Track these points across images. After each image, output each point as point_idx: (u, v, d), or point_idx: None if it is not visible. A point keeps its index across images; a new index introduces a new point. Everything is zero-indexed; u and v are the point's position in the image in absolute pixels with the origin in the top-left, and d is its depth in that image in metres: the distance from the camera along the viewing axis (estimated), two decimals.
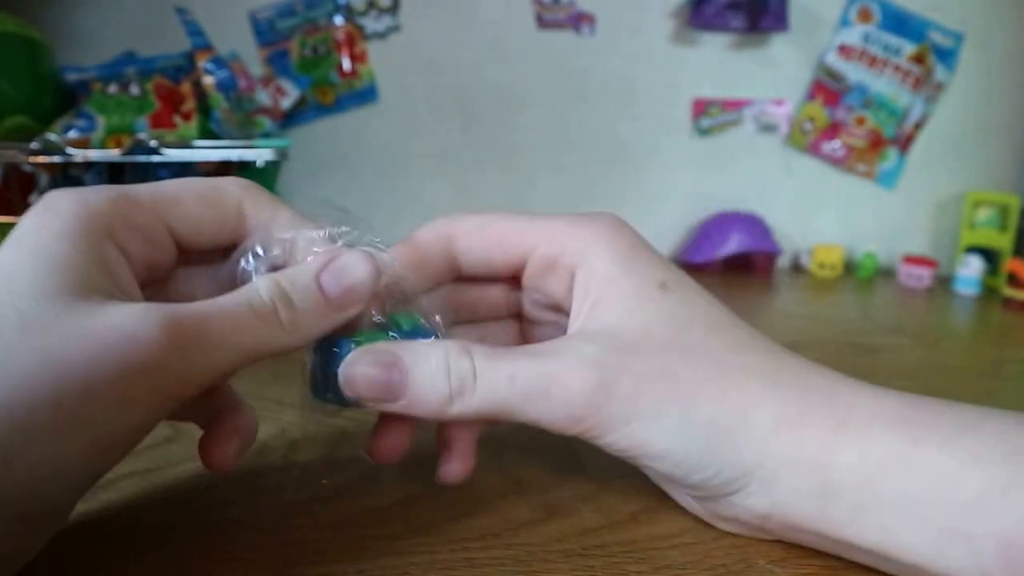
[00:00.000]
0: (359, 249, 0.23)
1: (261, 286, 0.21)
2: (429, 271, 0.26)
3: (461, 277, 0.27)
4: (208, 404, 0.25)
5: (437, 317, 0.25)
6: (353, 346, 0.22)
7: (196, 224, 0.23)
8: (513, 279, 0.27)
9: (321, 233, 0.23)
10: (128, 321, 0.18)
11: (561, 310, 0.26)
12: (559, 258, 0.25)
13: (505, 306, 0.29)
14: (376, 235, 0.24)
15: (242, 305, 0.21)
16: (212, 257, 0.24)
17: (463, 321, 0.28)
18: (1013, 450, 0.20)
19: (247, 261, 0.23)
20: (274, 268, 0.23)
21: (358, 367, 0.22)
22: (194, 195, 0.23)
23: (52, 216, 0.20)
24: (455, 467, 0.25)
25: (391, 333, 0.24)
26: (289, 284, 0.22)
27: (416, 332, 0.24)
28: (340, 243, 0.23)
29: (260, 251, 0.23)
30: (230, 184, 0.24)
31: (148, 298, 0.22)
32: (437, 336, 0.24)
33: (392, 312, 0.24)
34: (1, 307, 0.18)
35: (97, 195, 0.21)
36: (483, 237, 0.26)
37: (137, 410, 0.19)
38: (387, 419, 0.24)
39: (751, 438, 0.22)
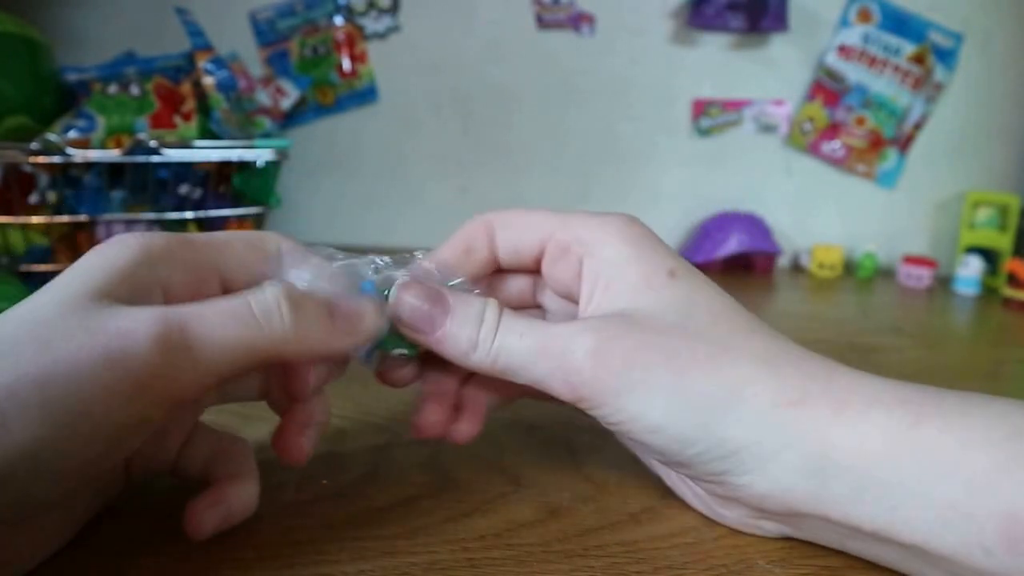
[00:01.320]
0: (367, 297, 0.24)
1: (268, 288, 0.22)
2: (475, 264, 0.28)
3: (498, 270, 0.29)
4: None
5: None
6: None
7: (242, 264, 0.24)
8: (538, 271, 0.28)
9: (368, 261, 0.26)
10: (124, 320, 0.19)
11: (573, 299, 0.27)
12: (571, 245, 0.26)
13: (531, 297, 0.30)
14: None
15: (241, 303, 0.21)
16: None
17: None
18: (1015, 431, 0.20)
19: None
20: None
21: (409, 292, 0.24)
22: (243, 241, 0.24)
23: (104, 246, 0.22)
24: (465, 428, 0.27)
25: None
26: (301, 292, 0.23)
27: None
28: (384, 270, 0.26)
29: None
30: (272, 234, 0.25)
31: None
32: None
33: None
34: (26, 305, 0.19)
35: (153, 233, 0.23)
36: (515, 227, 0.27)
37: (136, 409, 0.19)
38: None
39: (745, 414, 0.22)
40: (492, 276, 0.29)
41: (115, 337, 0.19)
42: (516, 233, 0.27)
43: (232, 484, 0.24)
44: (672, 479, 0.27)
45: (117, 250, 0.21)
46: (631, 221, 0.26)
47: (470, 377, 0.28)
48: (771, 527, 0.24)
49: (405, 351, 0.25)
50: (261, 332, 0.21)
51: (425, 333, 0.24)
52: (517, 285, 0.29)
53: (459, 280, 0.26)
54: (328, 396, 0.26)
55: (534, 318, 0.25)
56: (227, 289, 0.24)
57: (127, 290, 0.20)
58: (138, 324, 0.19)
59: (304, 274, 0.24)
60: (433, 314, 0.24)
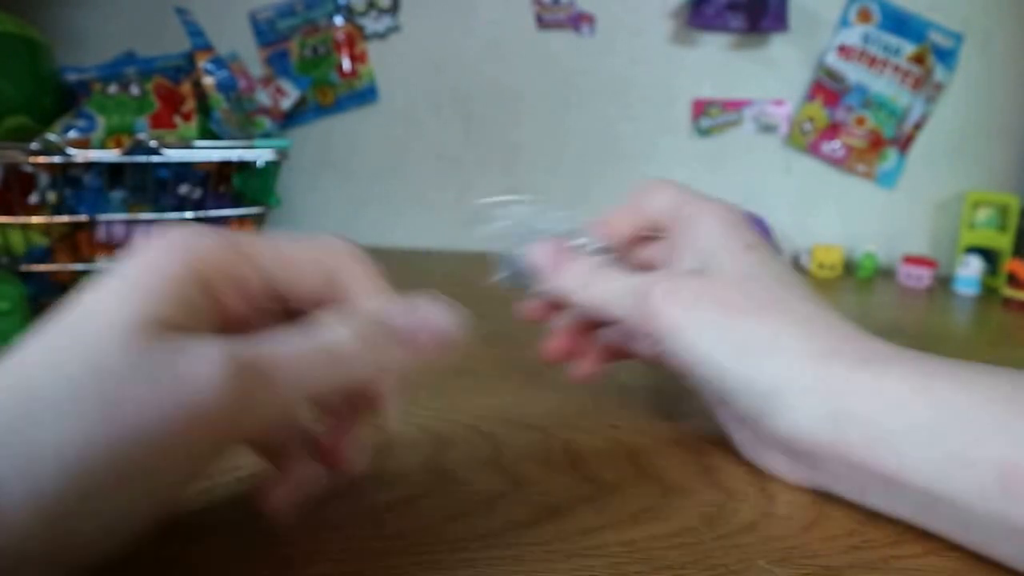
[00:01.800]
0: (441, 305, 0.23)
1: (339, 324, 0.21)
2: (622, 235, 0.34)
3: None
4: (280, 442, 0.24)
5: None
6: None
7: (302, 284, 0.22)
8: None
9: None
10: (199, 368, 0.18)
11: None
12: (688, 217, 0.31)
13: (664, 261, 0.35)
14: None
15: (316, 346, 0.20)
16: (292, 316, 0.23)
17: None
18: (1015, 390, 0.23)
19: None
20: None
21: (539, 248, 0.32)
22: (307, 257, 0.23)
23: (149, 250, 0.20)
24: (585, 366, 0.34)
25: None
26: (370, 319, 0.22)
27: None
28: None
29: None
30: (338, 244, 0.23)
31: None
32: None
33: None
34: (74, 346, 0.17)
35: (199, 234, 0.21)
36: (656, 197, 0.33)
37: (192, 459, 0.19)
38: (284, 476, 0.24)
39: (779, 360, 0.26)
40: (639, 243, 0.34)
41: (185, 383, 0.17)
42: (657, 203, 0.33)
43: (300, 462, 0.24)
44: (732, 427, 0.31)
45: (167, 262, 0.19)
46: (729, 209, 0.32)
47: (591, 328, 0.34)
48: (804, 475, 0.27)
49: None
50: (331, 373, 0.20)
51: (545, 276, 0.32)
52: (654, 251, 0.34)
53: (601, 245, 0.33)
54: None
55: (628, 271, 0.31)
56: (280, 302, 0.22)
57: (184, 315, 0.19)
58: (210, 366, 0.18)
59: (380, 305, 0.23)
60: (554, 262, 0.32)
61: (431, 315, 0.23)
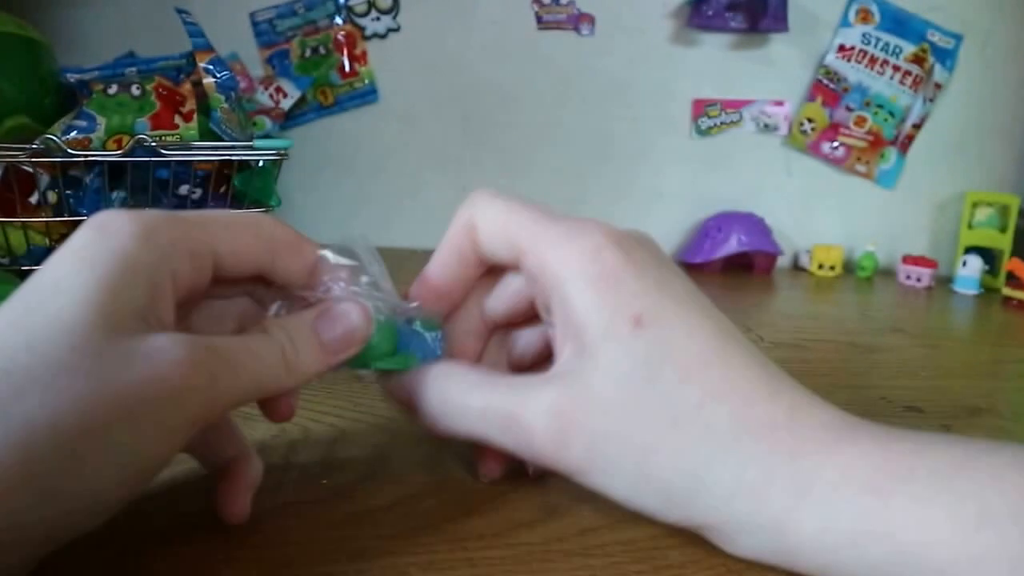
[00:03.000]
0: (352, 299, 0.25)
1: (272, 329, 0.23)
2: (469, 271, 0.27)
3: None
4: (218, 447, 0.25)
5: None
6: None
7: (241, 250, 0.23)
8: None
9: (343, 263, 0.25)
10: (170, 348, 0.19)
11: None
12: (538, 275, 0.24)
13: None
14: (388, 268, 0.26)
15: (262, 343, 0.22)
16: (228, 289, 0.25)
17: (503, 325, 0.29)
18: (984, 514, 0.19)
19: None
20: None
21: (391, 381, 0.26)
22: (238, 223, 0.24)
23: (110, 234, 0.20)
24: (490, 465, 0.28)
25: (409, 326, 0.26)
26: (294, 329, 0.23)
27: (425, 344, 0.26)
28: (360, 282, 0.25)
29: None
30: (267, 218, 0.25)
31: (179, 319, 0.22)
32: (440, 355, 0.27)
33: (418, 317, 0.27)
34: (54, 327, 0.18)
35: (154, 217, 0.21)
36: (494, 234, 0.26)
37: (168, 435, 0.19)
38: (234, 483, 0.25)
39: (708, 501, 0.22)
40: (493, 284, 0.28)
41: (155, 362, 0.19)
42: (495, 242, 0.26)
43: (245, 463, 0.25)
44: None
45: (132, 246, 0.20)
46: (603, 247, 0.23)
47: None
48: None
49: (397, 366, 0.26)
50: (273, 373, 0.22)
51: (402, 405, 0.26)
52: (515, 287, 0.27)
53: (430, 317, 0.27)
54: (259, 459, 0.26)
55: (497, 385, 0.24)
56: (219, 274, 0.23)
57: (150, 297, 0.20)
58: (176, 347, 0.19)
59: (341, 288, 0.24)
60: (405, 398, 0.26)
61: (347, 317, 0.24)
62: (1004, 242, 0.80)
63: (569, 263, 0.23)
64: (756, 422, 0.22)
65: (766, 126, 0.89)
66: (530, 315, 0.27)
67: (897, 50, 0.86)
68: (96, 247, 0.20)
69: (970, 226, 0.84)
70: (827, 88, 0.87)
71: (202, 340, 0.20)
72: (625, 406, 0.22)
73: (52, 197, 0.52)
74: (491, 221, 0.26)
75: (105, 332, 0.18)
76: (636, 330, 0.22)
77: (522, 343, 0.29)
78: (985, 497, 0.19)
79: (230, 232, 0.23)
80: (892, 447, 0.21)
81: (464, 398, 0.24)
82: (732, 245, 0.82)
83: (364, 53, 0.86)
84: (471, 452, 0.29)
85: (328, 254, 0.25)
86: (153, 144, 0.52)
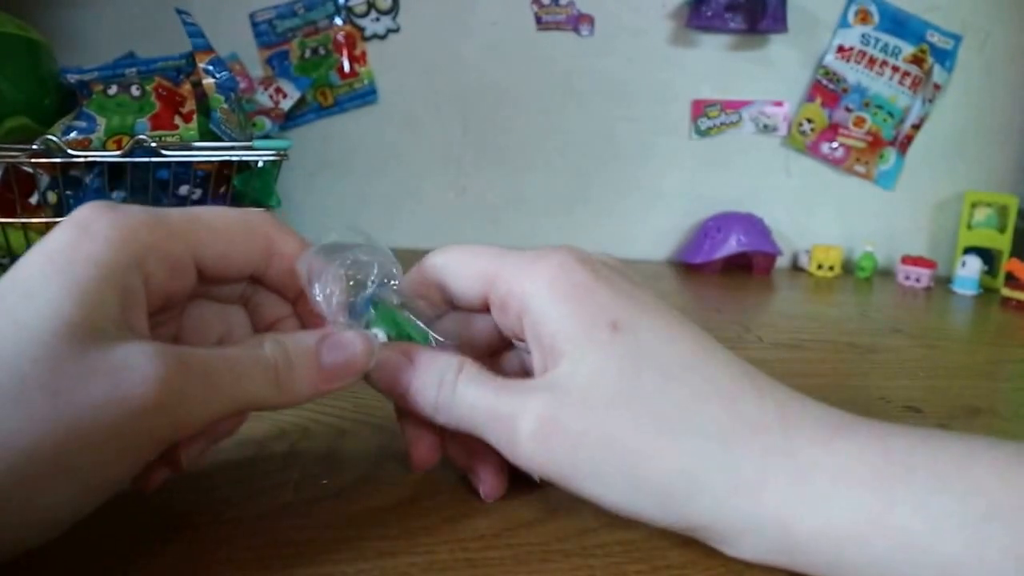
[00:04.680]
0: (359, 332, 0.24)
1: (267, 344, 0.22)
2: (434, 310, 0.27)
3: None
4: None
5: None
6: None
7: (226, 253, 0.23)
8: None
9: (342, 272, 0.25)
10: (138, 362, 0.18)
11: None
12: (507, 299, 0.24)
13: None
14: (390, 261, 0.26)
15: (248, 358, 0.21)
16: (223, 291, 0.24)
17: (484, 353, 0.28)
18: (989, 509, 0.19)
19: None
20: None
21: (382, 355, 0.25)
22: (228, 224, 0.23)
23: (87, 237, 0.20)
24: (487, 486, 0.26)
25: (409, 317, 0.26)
26: (292, 347, 0.22)
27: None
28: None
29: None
30: (259, 217, 0.24)
31: (159, 325, 0.22)
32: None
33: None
34: (20, 336, 0.18)
35: (135, 218, 0.21)
36: (459, 276, 0.26)
37: (131, 454, 0.19)
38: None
39: (704, 501, 0.21)
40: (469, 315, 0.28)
41: (122, 375, 0.18)
42: (462, 283, 0.26)
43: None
44: None
45: (105, 250, 0.20)
46: (570, 265, 0.23)
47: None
48: None
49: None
50: (258, 389, 0.21)
51: (393, 392, 0.25)
52: (489, 326, 0.27)
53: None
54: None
55: (489, 384, 0.23)
56: (202, 279, 0.23)
57: (121, 304, 0.20)
58: (145, 360, 0.18)
59: (324, 288, 0.24)
60: (400, 379, 0.24)
61: (351, 347, 0.23)
62: (1003, 242, 0.81)
63: (538, 281, 0.23)
64: (746, 420, 0.22)
65: (765, 127, 0.89)
66: (502, 346, 0.28)
67: (896, 51, 0.86)
68: (71, 252, 0.19)
69: (969, 226, 0.84)
70: (826, 89, 0.87)
71: (175, 352, 0.19)
72: (609, 410, 0.22)
73: (52, 197, 0.52)
74: (456, 260, 0.26)
75: (70, 344, 0.18)
76: (615, 335, 0.22)
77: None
78: (991, 491, 0.19)
79: (217, 234, 0.23)
80: (891, 441, 0.21)
81: (462, 388, 0.24)
82: (731, 245, 0.82)
83: (364, 54, 0.86)
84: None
85: (321, 257, 0.24)
86: (153, 144, 0.52)
